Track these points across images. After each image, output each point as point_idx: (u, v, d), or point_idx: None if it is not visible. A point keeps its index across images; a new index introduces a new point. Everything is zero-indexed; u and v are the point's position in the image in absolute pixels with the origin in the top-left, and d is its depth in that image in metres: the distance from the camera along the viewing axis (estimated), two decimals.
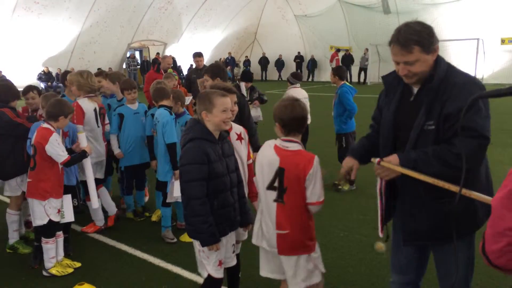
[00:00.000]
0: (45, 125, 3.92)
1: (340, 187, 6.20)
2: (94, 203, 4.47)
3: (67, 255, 4.20)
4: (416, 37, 2.13)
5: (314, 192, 2.59)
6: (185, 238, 4.66)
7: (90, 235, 4.83)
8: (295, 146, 2.61)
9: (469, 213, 2.22)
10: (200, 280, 3.78)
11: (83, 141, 4.18)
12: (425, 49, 2.14)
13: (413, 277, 2.60)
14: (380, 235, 2.49)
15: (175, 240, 4.66)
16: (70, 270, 4.00)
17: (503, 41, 22.05)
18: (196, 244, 2.88)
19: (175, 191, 4.51)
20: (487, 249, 1.25)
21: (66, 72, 5.61)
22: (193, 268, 4.00)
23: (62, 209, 4.02)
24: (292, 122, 2.60)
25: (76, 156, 4.07)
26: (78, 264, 4.11)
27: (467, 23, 21.69)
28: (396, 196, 2.43)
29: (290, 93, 6.60)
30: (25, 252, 4.40)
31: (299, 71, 28.61)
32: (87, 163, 4.34)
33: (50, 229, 3.95)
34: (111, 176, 5.66)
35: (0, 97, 4.33)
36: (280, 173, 2.60)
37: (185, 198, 2.75)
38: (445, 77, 2.19)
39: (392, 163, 2.20)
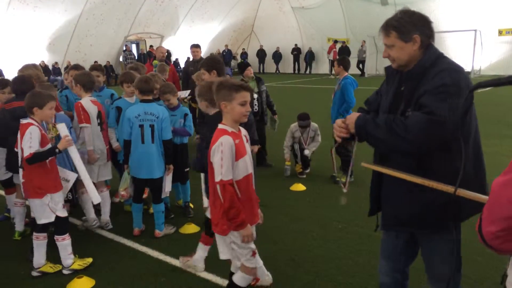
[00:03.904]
0: (24, 120, 3.70)
1: (338, 179, 6.21)
2: (94, 198, 4.01)
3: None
4: (396, 23, 2.21)
5: None
6: (184, 230, 4.67)
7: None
8: None
9: (452, 205, 2.09)
10: (199, 274, 3.80)
11: (62, 131, 3.80)
12: (401, 36, 2.20)
13: (401, 265, 2.62)
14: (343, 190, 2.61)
15: (175, 228, 4.70)
16: (90, 260, 3.99)
17: (500, 32, 22.02)
18: None
19: (167, 187, 4.59)
20: (484, 230, 1.28)
21: (67, 67, 5.58)
22: None
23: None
24: None
25: (43, 153, 3.66)
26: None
27: (464, 14, 21.65)
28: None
29: None
30: None
31: (296, 63, 28.59)
32: (74, 155, 3.89)
33: (61, 225, 3.88)
34: None
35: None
36: None
37: None
38: (431, 66, 2.18)
39: (350, 120, 2.28)
